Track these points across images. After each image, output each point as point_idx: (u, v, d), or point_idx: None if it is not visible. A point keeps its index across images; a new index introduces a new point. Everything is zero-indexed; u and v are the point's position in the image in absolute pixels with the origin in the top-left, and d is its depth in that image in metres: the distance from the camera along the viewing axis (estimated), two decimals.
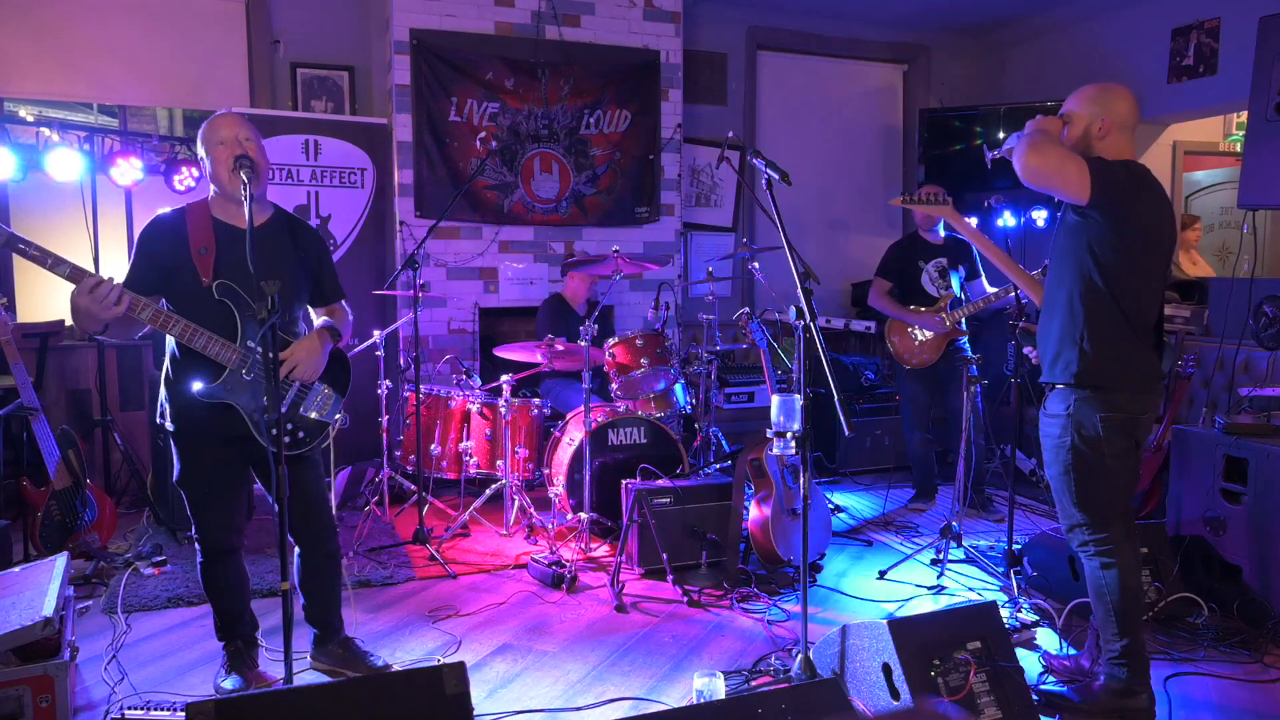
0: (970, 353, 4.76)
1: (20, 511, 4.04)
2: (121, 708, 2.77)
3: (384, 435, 4.78)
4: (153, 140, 4.88)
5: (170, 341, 2.75)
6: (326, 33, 5.74)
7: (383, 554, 4.18)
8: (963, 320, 4.77)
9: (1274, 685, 3.01)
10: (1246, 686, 2.99)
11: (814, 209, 7.01)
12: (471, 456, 4.65)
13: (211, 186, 2.81)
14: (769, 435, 2.86)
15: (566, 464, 4.37)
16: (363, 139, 5.44)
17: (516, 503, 4.58)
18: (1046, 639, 3.34)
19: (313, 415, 2.85)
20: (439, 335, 5.61)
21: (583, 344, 4.19)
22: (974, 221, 4.26)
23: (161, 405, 2.82)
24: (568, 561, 3.96)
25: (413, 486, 4.71)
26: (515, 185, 5.66)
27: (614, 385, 4.60)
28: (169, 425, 2.80)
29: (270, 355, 2.33)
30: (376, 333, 4.73)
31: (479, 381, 4.86)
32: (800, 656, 2.76)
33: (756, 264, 4.85)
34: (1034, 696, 2.69)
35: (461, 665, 2.23)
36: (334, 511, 3.23)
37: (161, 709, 2.68)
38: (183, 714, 2.14)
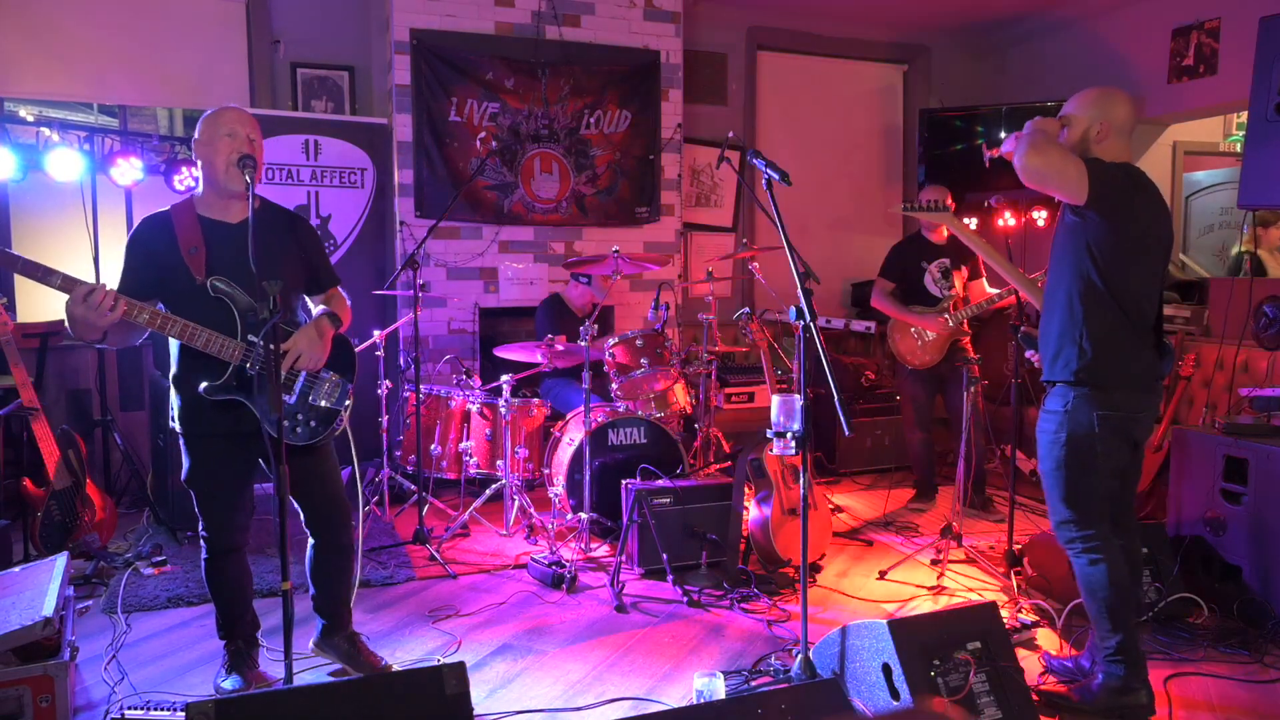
0: (971, 353, 4.76)
1: (20, 511, 4.04)
2: (121, 708, 2.77)
3: (384, 435, 4.79)
4: (153, 140, 4.87)
5: (173, 345, 2.75)
6: (326, 33, 5.74)
7: (383, 554, 4.18)
8: (965, 321, 4.77)
9: (1274, 685, 3.01)
10: (1246, 687, 2.99)
11: (814, 209, 7.00)
12: (471, 456, 4.65)
13: (200, 182, 2.80)
14: (769, 435, 2.86)
15: (566, 464, 4.37)
16: (363, 139, 5.44)
17: (516, 503, 4.58)
18: (1046, 639, 3.34)
19: (323, 403, 2.85)
20: (439, 335, 5.60)
21: (582, 344, 4.20)
22: (974, 223, 4.26)
23: (171, 409, 2.83)
24: (568, 561, 3.96)
25: (413, 486, 4.71)
26: (515, 185, 5.65)
27: (614, 385, 4.61)
28: (178, 427, 2.80)
29: (271, 356, 2.33)
30: (376, 333, 4.73)
31: (479, 381, 4.87)
32: (800, 657, 2.76)
33: (756, 264, 4.84)
34: (1034, 696, 2.68)
35: (461, 665, 2.24)
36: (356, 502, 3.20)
37: (161, 709, 2.69)
38: (183, 714, 2.14)
